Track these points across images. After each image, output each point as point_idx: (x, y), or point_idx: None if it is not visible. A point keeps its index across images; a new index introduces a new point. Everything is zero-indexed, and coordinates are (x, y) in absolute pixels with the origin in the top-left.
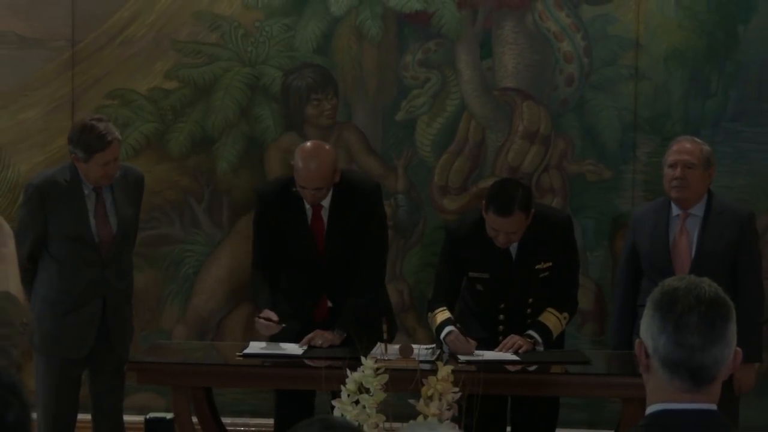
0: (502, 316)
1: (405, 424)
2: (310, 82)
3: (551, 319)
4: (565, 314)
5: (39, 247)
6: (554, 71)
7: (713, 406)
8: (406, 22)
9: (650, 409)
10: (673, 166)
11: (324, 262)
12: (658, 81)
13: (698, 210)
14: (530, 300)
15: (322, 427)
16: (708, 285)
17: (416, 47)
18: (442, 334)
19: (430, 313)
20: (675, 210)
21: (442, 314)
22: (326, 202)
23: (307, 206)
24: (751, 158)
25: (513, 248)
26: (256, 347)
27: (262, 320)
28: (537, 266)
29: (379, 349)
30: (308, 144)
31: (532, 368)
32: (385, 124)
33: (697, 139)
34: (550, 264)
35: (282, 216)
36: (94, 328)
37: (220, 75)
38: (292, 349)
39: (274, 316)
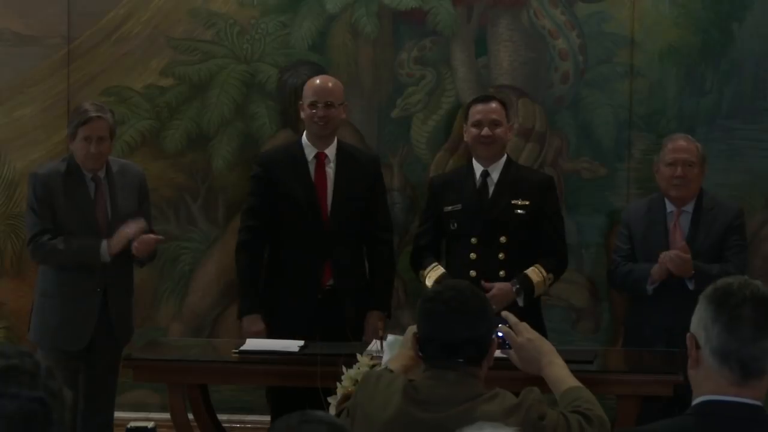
0: (473, 255)
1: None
2: (305, 79)
3: (536, 275)
4: (551, 275)
5: (46, 233)
6: (549, 69)
7: (758, 402)
8: (402, 20)
9: (697, 400)
10: (672, 164)
11: (328, 226)
12: (653, 78)
13: (689, 206)
14: (502, 239)
15: (300, 420)
16: (761, 283)
17: (412, 45)
18: None
19: (422, 271)
20: (669, 206)
21: (436, 270)
22: (331, 152)
23: (310, 164)
24: (746, 155)
25: (491, 183)
26: (252, 344)
27: (249, 329)
28: (514, 201)
29: (374, 346)
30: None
31: None
32: (381, 122)
33: (690, 137)
34: (528, 203)
35: (286, 175)
36: (93, 318)
37: (216, 72)
38: (289, 345)
39: (260, 325)
